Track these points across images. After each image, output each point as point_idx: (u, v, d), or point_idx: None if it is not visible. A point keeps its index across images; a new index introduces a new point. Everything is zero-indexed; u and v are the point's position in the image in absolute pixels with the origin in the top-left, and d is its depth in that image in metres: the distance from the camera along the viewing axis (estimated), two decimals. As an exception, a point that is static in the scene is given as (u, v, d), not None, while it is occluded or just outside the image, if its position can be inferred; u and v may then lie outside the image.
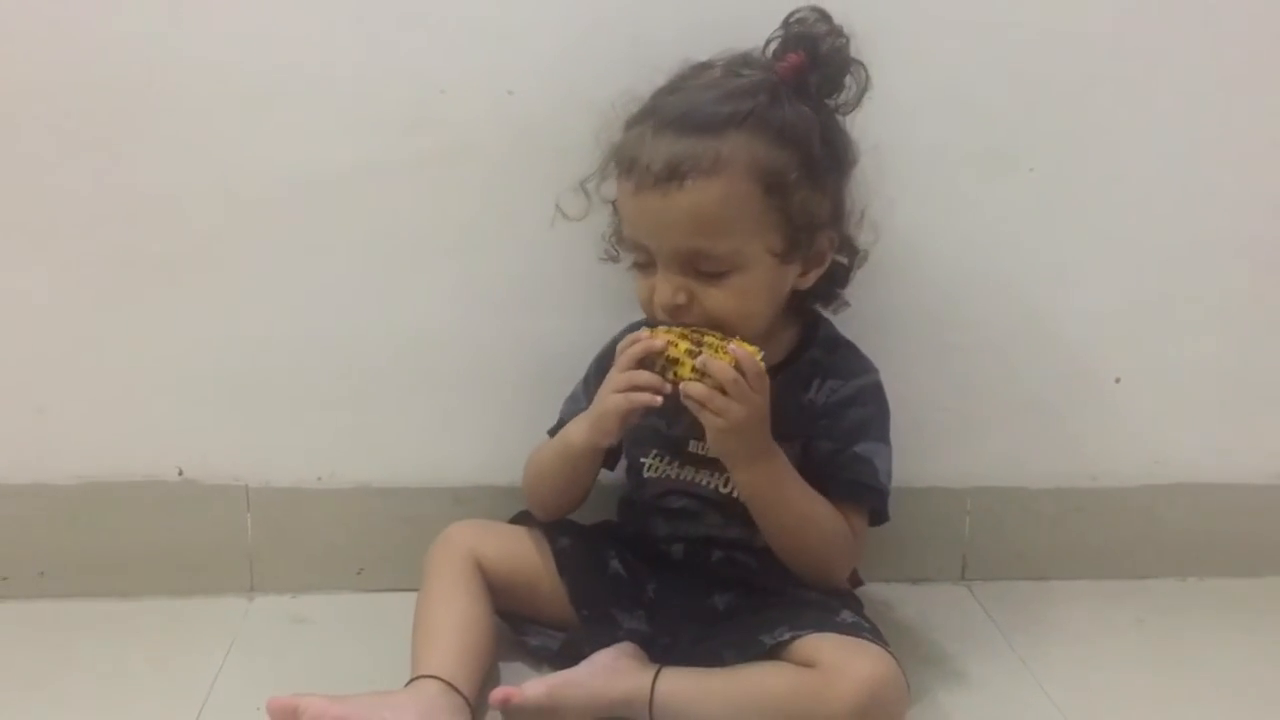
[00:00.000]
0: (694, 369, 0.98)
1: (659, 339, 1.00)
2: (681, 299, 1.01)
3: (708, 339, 0.99)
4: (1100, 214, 1.24)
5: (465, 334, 1.22)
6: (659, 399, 0.99)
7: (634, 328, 1.07)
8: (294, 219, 1.18)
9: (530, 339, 1.22)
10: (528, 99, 1.16)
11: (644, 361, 1.00)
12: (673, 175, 0.97)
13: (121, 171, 1.15)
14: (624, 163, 1.02)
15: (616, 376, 1.02)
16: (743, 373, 0.97)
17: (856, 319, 1.15)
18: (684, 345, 0.99)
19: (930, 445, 1.17)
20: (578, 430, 1.07)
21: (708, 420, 0.98)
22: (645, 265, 1.04)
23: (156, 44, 1.13)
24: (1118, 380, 1.28)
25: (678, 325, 1.01)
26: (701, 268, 1.00)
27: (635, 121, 1.03)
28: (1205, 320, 1.28)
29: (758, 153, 0.98)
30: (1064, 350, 1.27)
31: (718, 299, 1.01)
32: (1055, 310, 1.26)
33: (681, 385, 0.99)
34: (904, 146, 1.13)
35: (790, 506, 1.04)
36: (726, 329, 1.01)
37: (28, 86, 1.13)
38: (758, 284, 1.02)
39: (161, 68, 1.13)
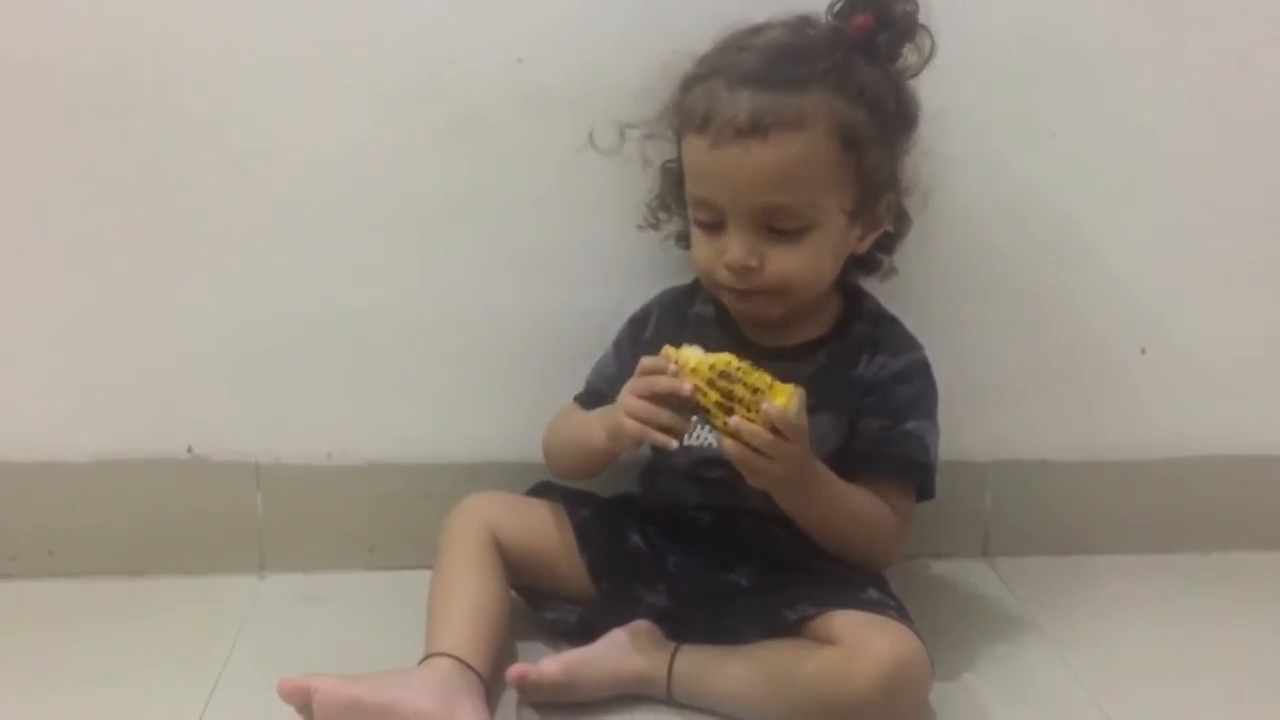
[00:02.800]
0: (725, 424, 0.93)
1: (685, 384, 0.93)
2: (754, 261, 1.00)
3: (737, 388, 0.92)
4: (1124, 181, 1.22)
5: (477, 307, 1.21)
6: (674, 444, 0.95)
7: (672, 292, 1.07)
8: (302, 193, 1.17)
9: (543, 312, 1.20)
10: (538, 67, 1.15)
11: (667, 399, 0.95)
12: (755, 128, 0.96)
13: (127, 147, 1.14)
14: (695, 118, 1.00)
15: (633, 402, 0.96)
16: (778, 430, 0.92)
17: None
18: (714, 396, 0.93)
19: (951, 418, 1.14)
20: (598, 432, 1.03)
21: (745, 473, 0.95)
22: (711, 226, 1.02)
23: (161, 16, 1.11)
24: (1143, 351, 1.26)
25: (707, 356, 0.95)
26: (776, 225, 0.99)
27: (698, 79, 1.02)
28: (1232, 291, 1.26)
29: (838, 109, 0.98)
30: (1088, 321, 1.25)
31: (789, 260, 1.00)
32: (1079, 280, 1.24)
33: (721, 443, 0.94)
34: (921, 111, 1.10)
35: (837, 515, 1.02)
36: (792, 293, 1.01)
37: (33, 62, 1.11)
38: (829, 244, 1.01)
39: (168, 41, 1.12)
